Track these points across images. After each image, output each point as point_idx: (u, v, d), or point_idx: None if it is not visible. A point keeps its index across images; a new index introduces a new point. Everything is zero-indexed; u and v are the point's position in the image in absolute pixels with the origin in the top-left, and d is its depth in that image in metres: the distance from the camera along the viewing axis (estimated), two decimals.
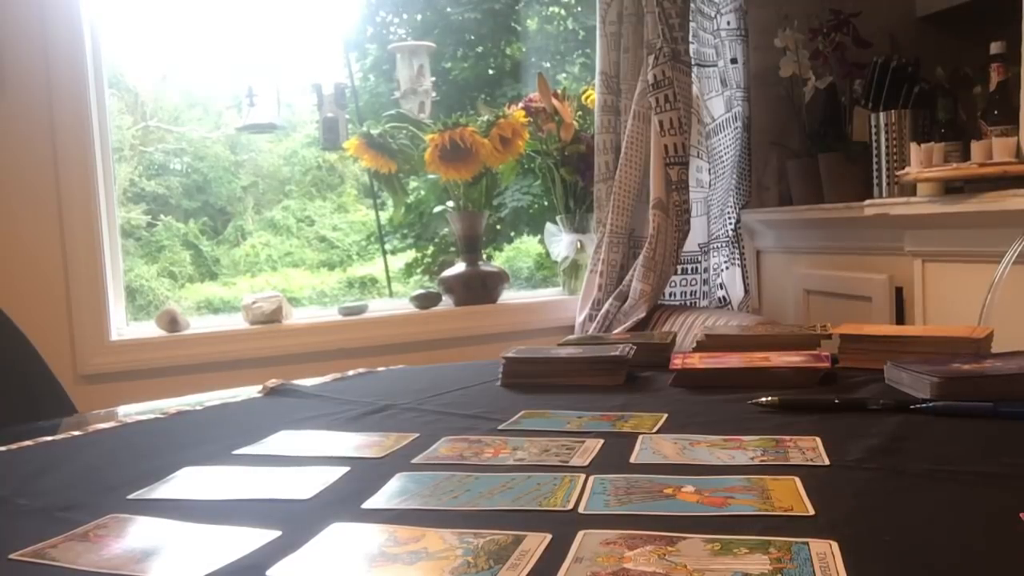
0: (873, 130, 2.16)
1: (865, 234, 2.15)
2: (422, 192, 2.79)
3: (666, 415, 0.93)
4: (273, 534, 0.61)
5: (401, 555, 0.57)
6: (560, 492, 0.68)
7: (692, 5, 2.28)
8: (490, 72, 3.63)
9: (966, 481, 0.67)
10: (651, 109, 2.17)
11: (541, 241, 2.76)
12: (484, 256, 2.56)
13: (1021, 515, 0.58)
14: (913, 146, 1.85)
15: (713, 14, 2.41)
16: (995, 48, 1.88)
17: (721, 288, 2.48)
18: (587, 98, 2.54)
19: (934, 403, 0.90)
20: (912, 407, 0.90)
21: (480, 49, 3.61)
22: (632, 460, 0.77)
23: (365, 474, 0.76)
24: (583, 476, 0.71)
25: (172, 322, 2.24)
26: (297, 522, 0.64)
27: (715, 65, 2.42)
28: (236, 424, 1.02)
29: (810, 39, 2.40)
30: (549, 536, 0.58)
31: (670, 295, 2.42)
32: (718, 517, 0.61)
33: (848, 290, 2.25)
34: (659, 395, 1.07)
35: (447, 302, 2.50)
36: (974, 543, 0.56)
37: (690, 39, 2.26)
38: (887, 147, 2.11)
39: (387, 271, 3.36)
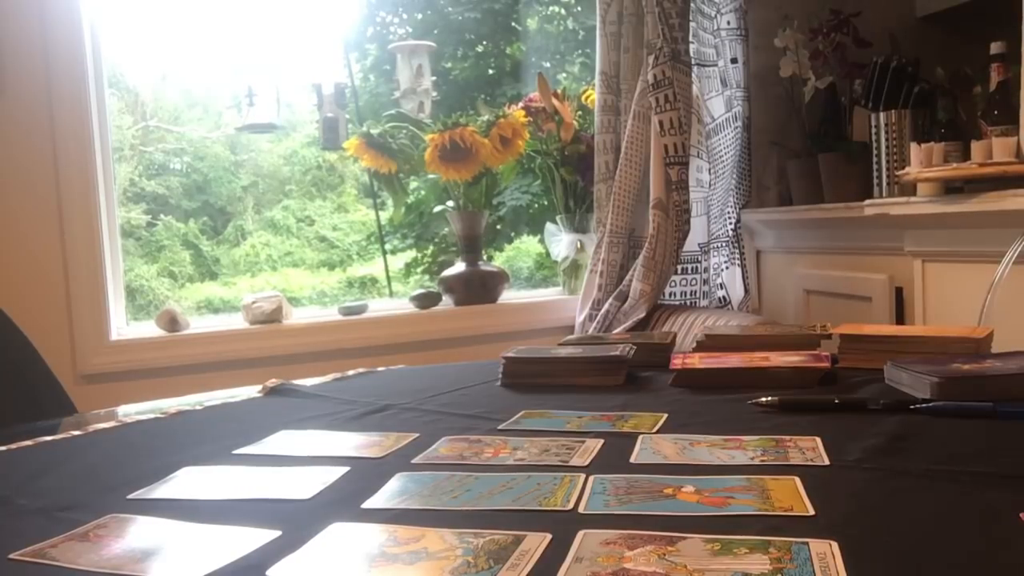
0: (873, 130, 2.16)
1: (865, 234, 2.15)
2: (422, 192, 2.79)
3: (666, 415, 0.93)
4: (273, 534, 0.61)
5: (401, 555, 0.57)
6: (560, 492, 0.68)
7: (692, 5, 2.27)
8: (490, 72, 3.62)
9: (966, 481, 0.67)
10: (651, 109, 2.17)
11: (541, 241, 2.76)
12: (484, 256, 2.56)
13: (1021, 515, 0.58)
14: (913, 146, 1.85)
15: (713, 14, 2.41)
16: (995, 48, 1.88)
17: (721, 288, 2.48)
18: (587, 98, 2.54)
19: (934, 403, 0.90)
20: (912, 407, 0.90)
21: (480, 49, 3.61)
22: (632, 460, 0.77)
23: (365, 474, 0.76)
24: (583, 476, 0.71)
25: (172, 322, 2.24)
26: (297, 522, 0.64)
27: (715, 65, 2.42)
28: (236, 424, 1.02)
29: (810, 39, 2.39)
30: (549, 536, 0.58)
31: (670, 295, 2.42)
32: (718, 517, 0.61)
33: (848, 290, 2.25)
34: (659, 395, 1.07)
35: (447, 302, 2.50)
36: (974, 543, 0.56)
37: (690, 39, 2.26)
38: (887, 147, 2.11)
39: (387, 271, 3.35)
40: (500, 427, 0.92)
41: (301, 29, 3.21)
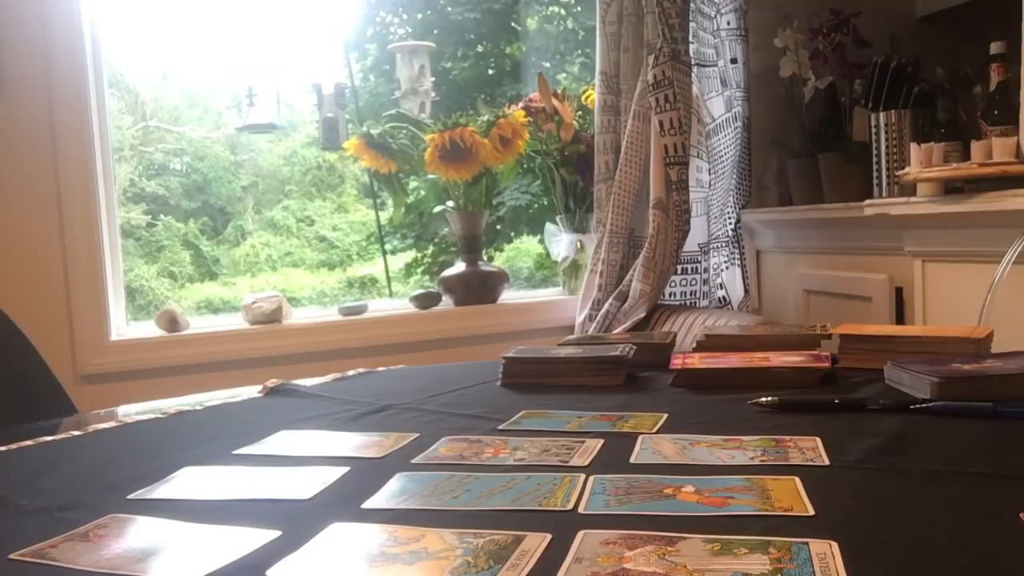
0: (873, 130, 2.16)
1: (865, 234, 2.15)
2: (422, 192, 2.79)
3: (666, 415, 0.93)
4: (273, 534, 0.61)
5: (401, 555, 0.57)
6: (560, 492, 0.68)
7: (692, 5, 2.27)
8: (490, 72, 3.62)
9: (966, 481, 0.67)
10: (651, 109, 2.17)
11: (541, 241, 2.76)
12: (484, 256, 2.56)
13: (1021, 515, 0.58)
14: (913, 146, 1.85)
15: (713, 14, 2.41)
16: (995, 48, 1.88)
17: (721, 288, 2.48)
18: (587, 98, 2.54)
19: (934, 403, 0.90)
20: (912, 407, 0.90)
21: (480, 49, 3.61)
22: (632, 460, 0.77)
23: (365, 474, 0.76)
24: (583, 476, 0.71)
25: (172, 322, 2.24)
26: (297, 522, 0.64)
27: (715, 65, 2.42)
28: (236, 424, 1.02)
29: (810, 39, 2.39)
30: (549, 536, 0.58)
31: (670, 295, 2.41)
32: (718, 517, 0.61)
33: (848, 290, 2.25)
34: (659, 395, 1.07)
35: (447, 302, 2.50)
36: (974, 543, 0.56)
37: (690, 39, 2.26)
38: (887, 147, 2.11)
39: (387, 271, 3.35)
40: (500, 427, 0.92)
41: (301, 29, 3.21)
